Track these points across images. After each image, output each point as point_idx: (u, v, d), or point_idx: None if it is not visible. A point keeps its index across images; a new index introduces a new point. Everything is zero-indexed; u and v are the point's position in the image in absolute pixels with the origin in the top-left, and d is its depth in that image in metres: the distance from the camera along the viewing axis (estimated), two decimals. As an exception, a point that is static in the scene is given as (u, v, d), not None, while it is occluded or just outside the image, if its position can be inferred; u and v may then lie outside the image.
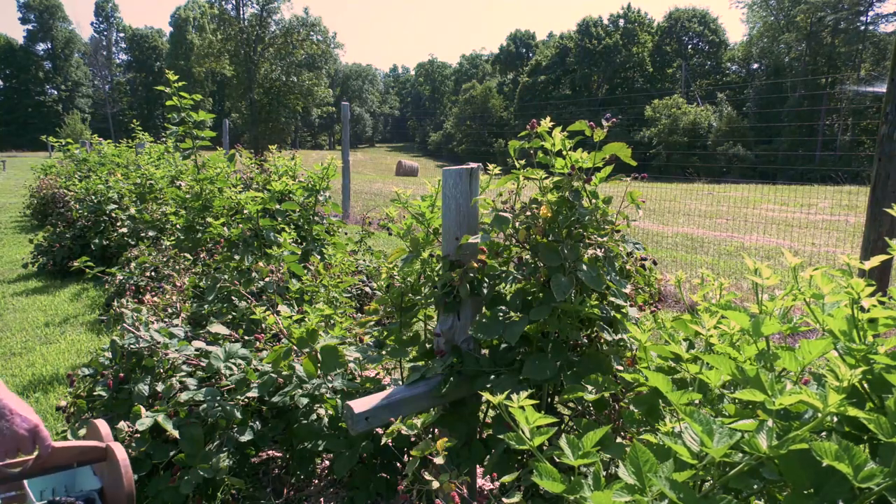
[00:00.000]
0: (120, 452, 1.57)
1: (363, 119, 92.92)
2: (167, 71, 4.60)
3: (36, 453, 1.48)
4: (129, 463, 1.57)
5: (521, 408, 1.30)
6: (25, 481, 1.57)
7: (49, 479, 1.64)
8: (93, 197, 7.30)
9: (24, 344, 4.86)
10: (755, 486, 1.11)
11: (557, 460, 1.50)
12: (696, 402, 1.34)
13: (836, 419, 1.16)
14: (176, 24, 71.26)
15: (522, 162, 2.14)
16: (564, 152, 2.04)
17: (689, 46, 61.60)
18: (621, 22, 62.38)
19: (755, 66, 55.76)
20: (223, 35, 49.87)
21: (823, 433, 1.15)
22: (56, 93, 75.71)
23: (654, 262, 2.25)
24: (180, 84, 4.40)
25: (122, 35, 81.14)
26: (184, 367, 2.63)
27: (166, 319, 3.40)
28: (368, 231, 4.84)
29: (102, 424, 1.66)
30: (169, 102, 4.47)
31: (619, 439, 1.92)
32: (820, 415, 1.04)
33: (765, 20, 51.89)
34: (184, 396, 2.40)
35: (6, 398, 1.41)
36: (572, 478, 1.14)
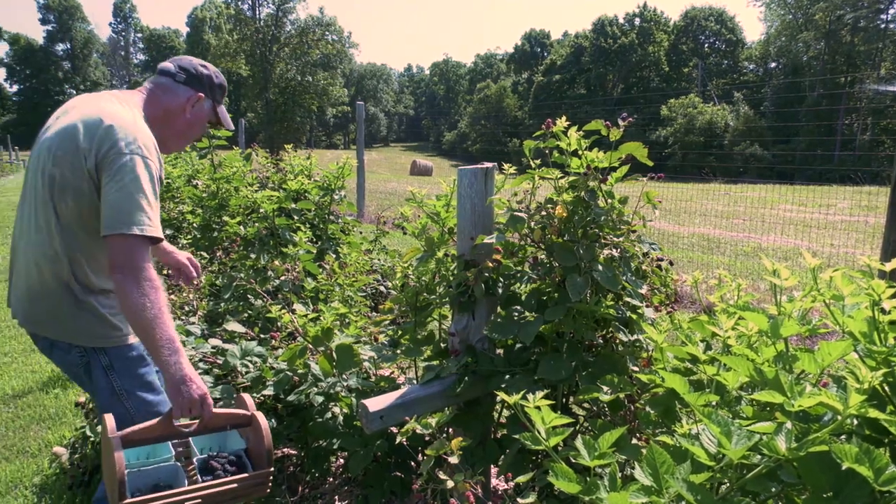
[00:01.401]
0: (262, 419, 1.88)
1: (378, 118, 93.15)
2: (184, 71, 4.62)
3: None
4: (269, 427, 1.89)
5: (537, 408, 1.30)
6: (191, 439, 1.92)
7: (206, 438, 2.00)
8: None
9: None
10: (773, 489, 1.10)
11: (572, 461, 1.50)
12: (713, 403, 1.33)
13: (856, 422, 1.15)
14: (193, 24, 71.83)
15: (538, 162, 2.13)
16: (580, 152, 2.03)
17: (706, 45, 61.15)
18: (637, 21, 62.03)
19: (773, 64, 55.23)
20: (239, 35, 50.20)
21: (843, 436, 1.14)
22: (75, 92, 76.41)
23: (671, 263, 2.23)
24: (197, 84, 4.41)
25: (139, 35, 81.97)
26: (200, 364, 2.65)
27: (183, 317, 3.43)
28: (383, 230, 4.85)
29: (247, 397, 1.96)
30: (186, 102, 4.49)
31: (634, 440, 1.91)
32: (840, 417, 1.03)
33: (783, 18, 51.35)
34: (200, 394, 2.42)
35: (187, 368, 1.72)
36: (588, 479, 1.14)
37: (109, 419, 1.74)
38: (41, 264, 1.83)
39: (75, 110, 1.84)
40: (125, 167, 1.70)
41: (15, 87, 75.24)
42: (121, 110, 1.83)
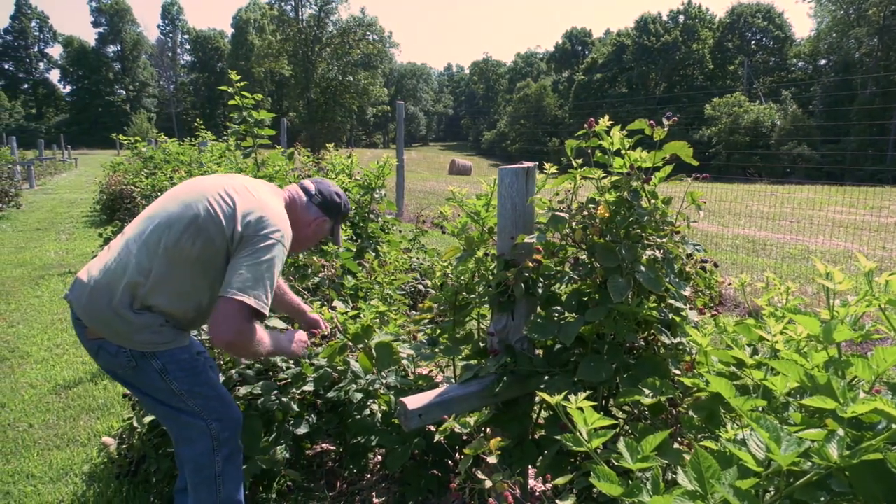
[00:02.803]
0: None
1: (417, 118, 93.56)
2: (230, 71, 4.70)
3: None
4: None
5: (580, 409, 1.28)
6: None
7: None
8: (158, 193, 7.56)
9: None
10: (822, 499, 1.07)
11: (613, 464, 1.48)
12: (760, 409, 1.29)
13: (912, 431, 1.11)
14: (237, 25, 73.15)
15: (579, 161, 2.11)
16: (623, 151, 2.00)
17: (753, 42, 59.68)
18: (681, 18, 60.96)
19: (823, 62, 53.58)
20: (282, 36, 50.97)
21: (898, 445, 1.10)
22: (124, 93, 78.93)
23: (716, 265, 2.19)
24: (242, 84, 4.49)
25: (186, 37, 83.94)
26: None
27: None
28: (422, 229, 4.87)
29: None
30: (231, 102, 4.56)
31: (675, 445, 1.88)
32: (895, 425, 0.99)
33: (833, 14, 49.77)
34: (242, 390, 2.47)
35: (297, 346, 2.22)
36: (630, 481, 1.13)
37: None
38: (129, 271, 1.92)
39: (243, 189, 2.06)
40: (268, 248, 1.94)
41: (68, 88, 77.97)
42: (278, 207, 2.10)
